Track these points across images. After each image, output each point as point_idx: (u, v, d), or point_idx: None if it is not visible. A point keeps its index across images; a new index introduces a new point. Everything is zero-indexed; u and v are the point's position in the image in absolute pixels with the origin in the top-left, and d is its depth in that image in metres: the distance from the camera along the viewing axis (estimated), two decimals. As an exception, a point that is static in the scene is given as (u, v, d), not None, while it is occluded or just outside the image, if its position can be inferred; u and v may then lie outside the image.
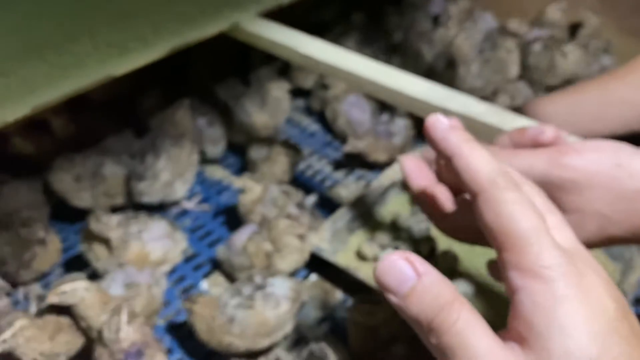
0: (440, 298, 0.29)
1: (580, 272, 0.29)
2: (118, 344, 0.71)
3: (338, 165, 1.23)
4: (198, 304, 0.78)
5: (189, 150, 1.07)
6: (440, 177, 0.49)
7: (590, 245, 0.44)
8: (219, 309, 0.79)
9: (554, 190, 0.42)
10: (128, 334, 0.72)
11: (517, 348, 0.29)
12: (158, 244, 0.92)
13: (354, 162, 1.21)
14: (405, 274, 0.30)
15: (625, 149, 0.43)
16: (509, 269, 0.30)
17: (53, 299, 0.74)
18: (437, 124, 0.35)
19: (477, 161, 0.32)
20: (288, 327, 0.81)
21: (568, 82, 1.31)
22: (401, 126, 1.19)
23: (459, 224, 0.45)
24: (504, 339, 0.30)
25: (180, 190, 1.07)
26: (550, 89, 1.31)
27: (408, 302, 0.30)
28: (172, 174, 1.05)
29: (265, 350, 0.81)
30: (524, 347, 0.28)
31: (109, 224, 0.87)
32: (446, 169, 0.49)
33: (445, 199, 0.47)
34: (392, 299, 0.30)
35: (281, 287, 0.82)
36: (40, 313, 0.80)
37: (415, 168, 0.48)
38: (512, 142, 0.47)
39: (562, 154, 0.42)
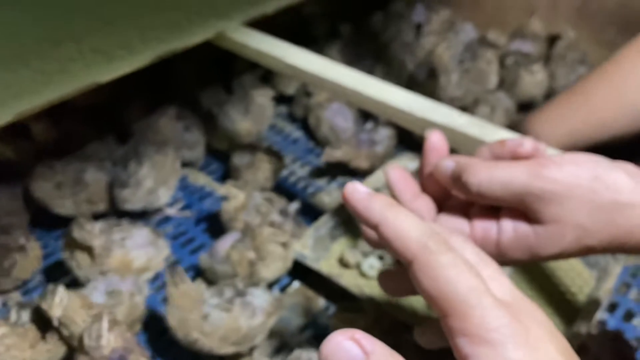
0: None
1: (526, 327, 0.29)
2: (99, 350, 0.71)
3: (320, 172, 1.24)
4: (179, 291, 0.78)
5: (172, 158, 1.07)
6: (424, 188, 0.51)
7: (568, 255, 0.46)
8: (197, 303, 0.79)
9: (534, 202, 0.43)
10: (109, 340, 0.72)
11: None
12: (141, 251, 0.92)
13: (336, 169, 1.22)
14: (352, 356, 0.29)
15: (602, 162, 0.45)
16: (455, 335, 0.30)
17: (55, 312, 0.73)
18: (355, 194, 0.34)
19: (405, 227, 0.32)
20: (257, 340, 0.81)
21: (528, 102, 1.36)
22: (384, 135, 1.20)
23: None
24: None
25: (163, 197, 1.07)
26: (520, 103, 1.35)
27: None
28: (155, 181, 1.05)
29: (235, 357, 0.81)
30: None
31: (92, 232, 0.87)
32: (430, 180, 0.50)
33: (428, 208, 0.48)
34: None
35: (260, 298, 0.83)
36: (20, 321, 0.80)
37: (401, 178, 0.49)
38: (492, 154, 0.48)
39: (542, 167, 0.43)
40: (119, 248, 0.90)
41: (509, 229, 0.45)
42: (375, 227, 0.33)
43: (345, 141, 1.20)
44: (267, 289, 0.88)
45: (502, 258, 0.46)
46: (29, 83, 0.76)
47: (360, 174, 1.21)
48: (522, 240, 0.45)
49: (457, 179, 0.45)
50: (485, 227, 0.45)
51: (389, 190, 0.49)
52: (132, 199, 1.04)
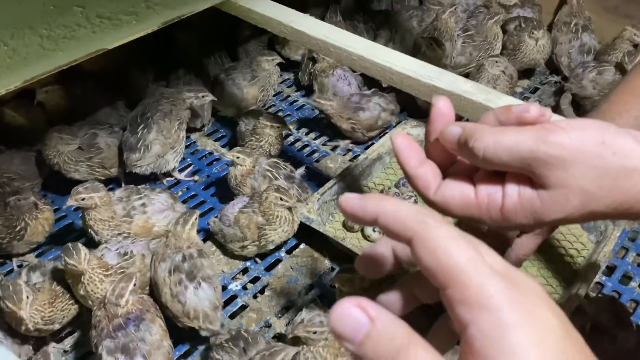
0: (395, 340, 0.29)
1: (522, 293, 0.30)
2: (117, 308, 0.74)
3: (326, 139, 1.25)
4: None
5: (179, 123, 1.09)
6: (429, 154, 0.51)
7: (572, 220, 0.46)
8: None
9: (540, 167, 0.43)
10: (128, 301, 0.75)
11: None
12: (161, 215, 0.94)
13: (341, 136, 1.24)
14: (358, 321, 0.29)
15: (610, 128, 0.44)
16: (455, 305, 0.30)
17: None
18: (349, 201, 0.36)
19: (401, 210, 0.33)
20: None
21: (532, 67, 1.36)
22: (374, 105, 1.19)
23: (448, 200, 0.47)
24: None
25: (171, 161, 1.09)
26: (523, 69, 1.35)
27: (364, 349, 0.29)
28: (163, 146, 1.07)
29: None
30: None
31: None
32: (435, 146, 0.50)
33: (434, 174, 0.49)
34: (348, 346, 0.30)
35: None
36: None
37: (406, 145, 0.49)
38: (498, 120, 0.49)
39: (548, 132, 0.43)
40: (140, 214, 0.93)
41: (513, 193, 0.45)
42: (374, 221, 0.34)
43: (339, 100, 1.20)
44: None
45: (506, 223, 0.46)
46: (36, 49, 0.76)
47: (362, 144, 1.23)
48: (527, 204, 0.45)
49: (463, 144, 0.45)
50: (490, 191, 0.46)
51: (395, 156, 0.50)
52: (141, 163, 1.06)
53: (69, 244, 0.77)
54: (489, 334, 0.29)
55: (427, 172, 0.48)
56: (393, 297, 0.40)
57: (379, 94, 1.22)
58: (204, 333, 0.82)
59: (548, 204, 0.44)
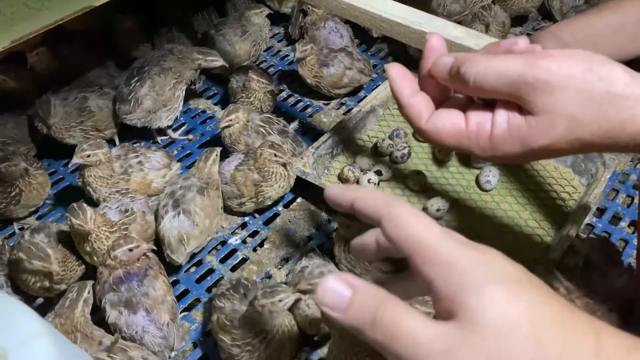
0: (375, 301, 0.34)
1: (477, 250, 0.34)
2: (122, 263, 0.76)
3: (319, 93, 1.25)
4: None
5: (176, 82, 1.08)
6: (423, 89, 0.52)
7: (559, 147, 0.46)
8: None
9: (528, 91, 0.44)
10: (117, 257, 0.76)
11: (447, 322, 0.32)
12: (159, 173, 0.95)
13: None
14: (341, 292, 0.34)
15: (598, 56, 0.45)
16: (420, 268, 0.34)
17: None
18: (331, 190, 0.41)
19: (373, 196, 0.38)
20: None
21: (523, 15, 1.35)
22: (338, 62, 1.17)
23: (439, 128, 0.48)
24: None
25: (164, 119, 1.09)
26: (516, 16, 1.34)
27: (348, 314, 0.34)
28: (155, 102, 1.07)
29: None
30: (452, 319, 0.32)
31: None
32: (429, 80, 0.51)
33: (427, 104, 0.49)
34: (335, 316, 0.34)
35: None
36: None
37: (400, 75, 0.49)
38: (488, 54, 0.49)
39: (537, 57, 0.44)
40: (138, 171, 0.93)
41: (502, 121, 0.46)
42: (351, 206, 0.40)
43: (317, 52, 1.17)
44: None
45: (495, 151, 0.47)
46: (22, 9, 0.75)
47: (352, 95, 1.23)
48: (515, 131, 0.46)
49: (455, 72, 0.46)
50: (480, 120, 0.47)
51: (390, 86, 0.50)
52: (131, 116, 1.07)
53: (74, 204, 0.78)
54: (451, 280, 0.33)
55: (420, 102, 0.49)
56: (368, 240, 0.42)
57: (347, 51, 1.20)
58: (168, 259, 0.87)
59: (535, 129, 0.45)
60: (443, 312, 0.33)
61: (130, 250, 0.76)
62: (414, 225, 0.35)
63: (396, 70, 0.49)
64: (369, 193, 0.39)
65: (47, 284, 0.81)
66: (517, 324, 0.31)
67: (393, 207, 0.37)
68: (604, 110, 0.44)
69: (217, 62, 1.09)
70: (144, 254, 0.79)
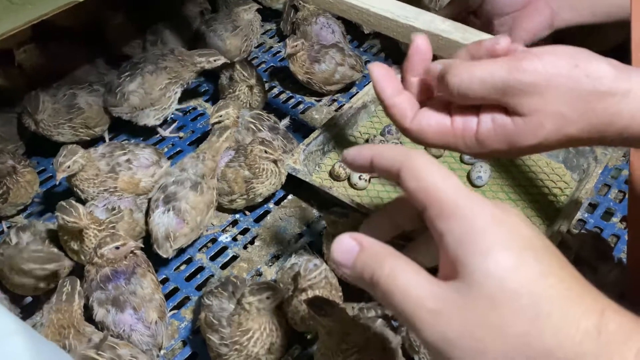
0: (378, 256, 0.34)
1: (496, 207, 0.33)
2: (109, 261, 0.75)
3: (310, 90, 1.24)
4: None
5: (169, 83, 1.07)
6: (406, 87, 0.51)
7: (548, 145, 0.46)
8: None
9: (514, 95, 0.44)
10: (104, 255, 0.76)
11: (448, 281, 0.32)
12: (148, 171, 0.95)
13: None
14: (350, 248, 0.35)
15: (582, 52, 0.44)
16: (433, 221, 0.33)
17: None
18: (349, 152, 0.40)
19: (391, 148, 0.38)
20: None
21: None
22: (329, 58, 1.16)
23: (424, 127, 0.47)
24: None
25: (151, 117, 1.09)
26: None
27: (355, 268, 0.35)
28: (142, 100, 1.06)
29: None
30: (453, 278, 0.31)
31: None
32: (411, 82, 0.50)
33: (411, 103, 0.49)
34: (345, 271, 0.35)
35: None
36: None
37: (384, 75, 0.49)
38: (470, 55, 0.49)
39: (520, 60, 0.44)
40: (126, 170, 0.93)
41: (487, 119, 0.46)
42: (371, 164, 0.39)
43: (308, 48, 1.16)
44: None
45: (481, 149, 0.47)
46: (5, 4, 0.74)
47: (344, 92, 1.23)
48: (500, 129, 0.45)
49: (441, 80, 0.46)
50: (466, 119, 0.46)
51: (373, 87, 0.50)
52: (117, 110, 1.07)
53: (63, 202, 0.78)
54: (461, 239, 0.32)
55: (404, 101, 0.49)
56: (376, 223, 0.42)
57: (338, 47, 1.19)
58: (155, 250, 0.87)
59: (523, 130, 0.45)
60: (446, 272, 0.33)
61: (117, 248, 0.75)
62: (432, 175, 0.34)
63: (379, 70, 0.49)
64: (387, 146, 0.39)
65: (47, 284, 0.81)
66: (516, 294, 0.30)
67: (412, 156, 0.36)
68: (593, 107, 0.44)
69: (220, 60, 1.08)
70: (132, 252, 0.78)
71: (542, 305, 0.30)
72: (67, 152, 0.87)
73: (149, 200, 0.90)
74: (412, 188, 0.35)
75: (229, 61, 1.11)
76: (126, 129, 1.14)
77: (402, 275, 0.32)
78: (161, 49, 1.13)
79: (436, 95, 0.50)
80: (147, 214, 0.89)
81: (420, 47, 0.50)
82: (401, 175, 0.36)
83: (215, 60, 1.08)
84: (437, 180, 0.34)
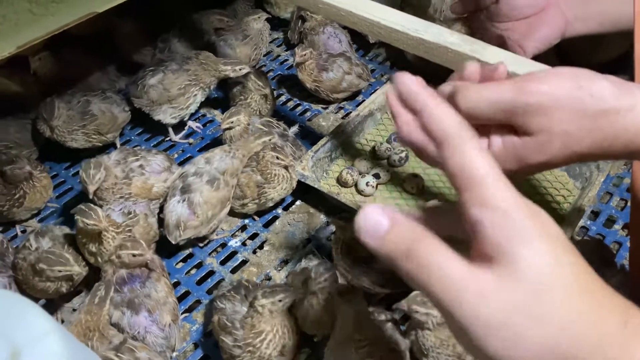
0: (412, 234, 0.34)
1: (528, 204, 0.34)
2: (123, 264, 0.77)
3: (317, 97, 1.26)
4: None
5: (188, 85, 1.10)
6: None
7: (556, 162, 0.48)
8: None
9: (521, 116, 0.46)
10: (122, 256, 0.78)
11: (484, 266, 0.32)
12: (160, 176, 0.97)
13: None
14: (380, 221, 0.35)
15: (584, 72, 0.47)
16: (469, 206, 0.33)
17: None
18: (405, 81, 0.39)
19: (446, 115, 0.36)
20: None
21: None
22: (337, 66, 1.19)
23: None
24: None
25: (167, 114, 1.12)
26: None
27: (385, 242, 0.34)
28: (160, 96, 1.09)
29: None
30: (491, 264, 0.32)
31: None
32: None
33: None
34: (369, 242, 0.35)
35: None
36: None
37: (399, 99, 0.51)
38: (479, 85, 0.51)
39: (526, 82, 0.46)
40: (139, 175, 0.95)
41: (498, 140, 0.48)
42: (418, 112, 0.38)
43: (316, 57, 1.19)
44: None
45: None
46: (27, 15, 0.77)
47: (351, 100, 1.25)
48: (510, 150, 0.48)
49: (450, 100, 0.48)
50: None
51: (390, 109, 0.52)
52: (138, 102, 1.11)
53: (82, 206, 0.79)
54: (502, 226, 0.32)
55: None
56: (440, 214, 0.42)
57: (345, 56, 1.21)
58: (164, 234, 0.91)
59: (532, 148, 0.47)
60: (480, 256, 0.33)
61: (134, 256, 0.77)
62: (478, 162, 0.34)
63: (395, 99, 0.50)
64: (443, 109, 0.36)
65: (64, 288, 0.83)
66: (559, 285, 0.32)
67: (462, 135, 0.35)
68: (598, 125, 0.46)
69: (244, 69, 1.11)
70: (146, 264, 0.80)
71: (577, 297, 0.32)
72: (94, 164, 0.89)
73: (170, 187, 0.94)
74: (452, 164, 0.34)
75: (251, 70, 1.13)
76: (136, 134, 1.16)
77: (440, 255, 0.33)
78: (188, 53, 1.15)
79: None
80: (165, 200, 0.93)
81: (470, 76, 0.51)
82: (444, 148, 0.35)
83: (240, 70, 1.10)
84: (482, 168, 0.34)
